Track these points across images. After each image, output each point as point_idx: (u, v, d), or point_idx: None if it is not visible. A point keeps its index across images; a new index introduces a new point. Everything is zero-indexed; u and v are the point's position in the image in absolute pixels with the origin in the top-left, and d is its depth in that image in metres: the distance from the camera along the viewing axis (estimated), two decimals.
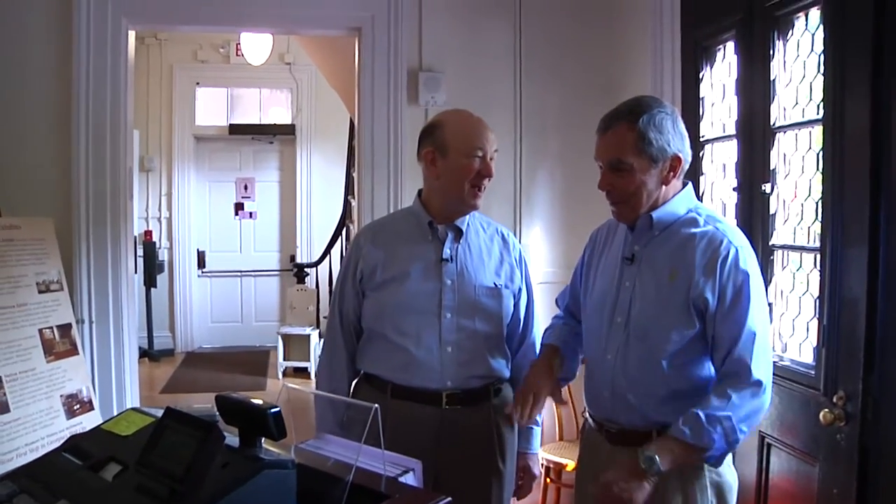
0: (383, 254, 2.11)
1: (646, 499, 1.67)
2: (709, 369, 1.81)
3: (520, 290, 2.20)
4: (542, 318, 3.68)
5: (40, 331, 2.97)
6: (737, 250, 1.76)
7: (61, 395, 2.96)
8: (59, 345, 3.03)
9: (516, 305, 2.18)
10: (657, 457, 1.66)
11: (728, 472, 1.85)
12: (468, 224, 2.15)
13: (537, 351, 2.21)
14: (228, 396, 1.26)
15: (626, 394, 1.83)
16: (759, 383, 1.71)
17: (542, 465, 3.48)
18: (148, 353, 7.22)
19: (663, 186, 1.83)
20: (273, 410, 1.19)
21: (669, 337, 1.78)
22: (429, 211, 2.13)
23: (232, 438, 1.23)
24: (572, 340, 2.09)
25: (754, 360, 1.71)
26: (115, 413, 1.86)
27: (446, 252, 2.10)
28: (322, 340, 2.27)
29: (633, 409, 1.82)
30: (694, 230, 1.81)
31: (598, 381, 1.91)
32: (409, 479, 1.34)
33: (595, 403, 1.95)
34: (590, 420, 1.99)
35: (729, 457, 1.86)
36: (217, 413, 1.29)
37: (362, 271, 2.12)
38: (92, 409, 3.07)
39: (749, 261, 1.77)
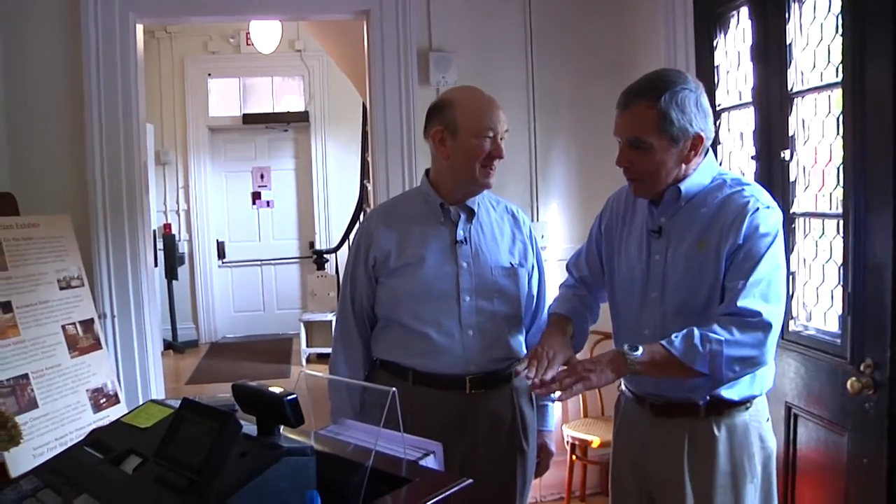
0: (396, 239, 2.07)
1: (600, 384, 1.71)
2: None
3: (533, 267, 2.17)
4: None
5: (63, 327, 2.99)
6: (764, 207, 1.74)
7: (87, 390, 2.99)
8: (83, 340, 3.05)
9: (529, 283, 2.15)
10: (640, 354, 1.67)
11: (770, 440, 1.84)
12: (479, 204, 2.11)
13: None
14: (245, 385, 1.25)
15: None
16: (767, 326, 1.67)
17: (568, 442, 3.48)
18: (172, 345, 7.29)
19: (683, 165, 1.79)
20: (289, 398, 1.18)
21: (710, 306, 1.75)
22: (439, 191, 2.09)
23: (250, 427, 1.23)
24: (583, 311, 2.06)
25: (764, 306, 1.67)
26: None
27: (460, 234, 2.06)
28: (334, 331, 2.20)
29: (677, 382, 1.78)
30: (721, 196, 1.78)
31: None
32: (430, 462, 1.33)
33: (635, 380, 1.91)
34: (628, 393, 1.97)
35: (770, 423, 1.86)
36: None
37: (375, 258, 2.08)
38: (118, 402, 3.10)
39: (772, 217, 1.74)
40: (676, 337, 1.68)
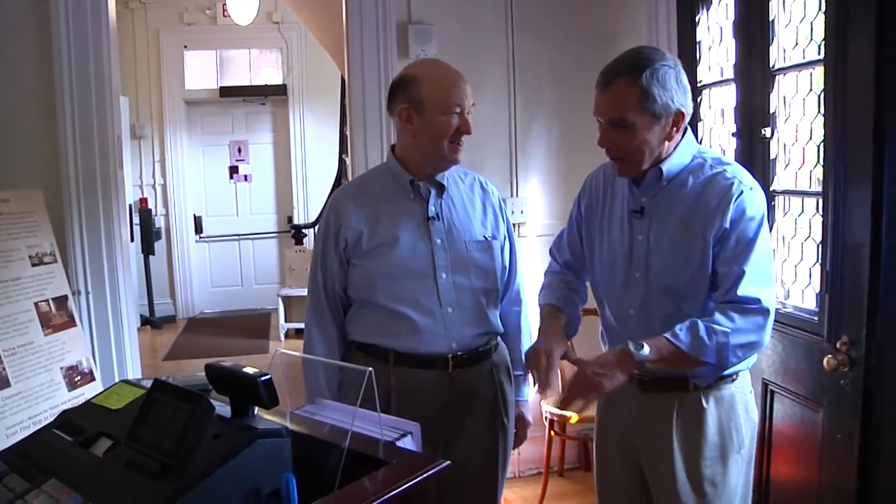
0: (367, 219, 2.02)
1: (614, 388, 1.70)
2: None
3: (504, 238, 2.14)
4: (540, 271, 3.66)
5: (36, 304, 2.94)
6: (748, 189, 1.74)
7: (61, 368, 2.94)
8: (56, 317, 3.00)
9: (501, 254, 2.12)
10: (647, 351, 1.67)
11: (753, 411, 1.87)
12: (448, 178, 2.07)
13: (521, 298, 2.20)
14: (218, 365, 1.23)
15: None
16: (766, 311, 1.70)
17: (546, 417, 3.50)
18: (150, 321, 7.23)
19: (666, 142, 1.78)
20: (263, 378, 1.16)
21: (696, 287, 1.76)
22: (406, 167, 2.04)
23: (224, 408, 1.21)
24: (572, 296, 2.05)
25: (762, 292, 1.70)
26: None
27: (431, 210, 2.03)
28: (307, 315, 2.15)
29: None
30: (703, 176, 1.78)
31: (622, 338, 1.85)
32: (408, 443, 1.31)
33: None
34: None
35: (753, 395, 1.89)
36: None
37: (346, 239, 2.03)
38: (93, 380, 3.06)
39: (757, 198, 1.75)
40: (681, 330, 1.68)
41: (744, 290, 1.68)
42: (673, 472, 1.80)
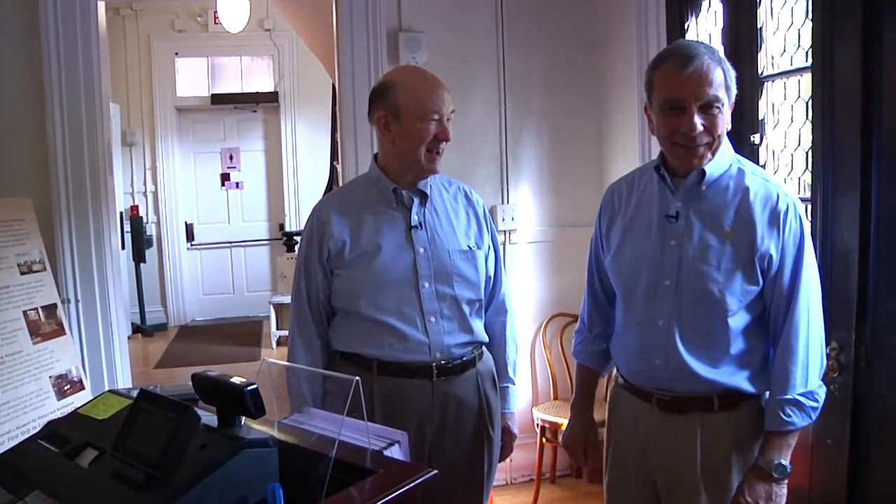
0: (349, 228, 2.01)
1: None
2: None
3: (489, 247, 2.12)
4: (535, 280, 3.66)
5: (25, 312, 2.92)
6: (794, 205, 1.70)
7: (50, 377, 2.93)
8: (45, 326, 2.99)
9: (486, 263, 2.10)
10: (784, 461, 1.67)
11: None
12: (431, 186, 2.06)
13: (507, 308, 2.18)
14: (203, 375, 1.22)
15: (685, 361, 1.71)
16: (822, 334, 1.72)
17: (538, 424, 3.49)
18: (141, 329, 7.21)
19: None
20: (250, 388, 1.15)
21: (733, 297, 1.69)
22: (389, 176, 2.03)
23: (212, 418, 1.20)
24: (603, 346, 2.00)
25: (813, 320, 1.69)
26: None
27: (414, 219, 2.01)
28: (290, 325, 2.13)
29: (693, 375, 1.71)
30: (746, 184, 1.71)
31: (646, 350, 1.78)
32: (395, 452, 1.31)
33: (642, 373, 1.81)
34: (627, 387, 1.87)
35: None
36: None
37: (329, 249, 2.01)
38: (83, 388, 3.04)
39: (801, 213, 1.72)
40: (788, 416, 1.66)
41: (799, 320, 1.68)
42: (696, 498, 1.73)
